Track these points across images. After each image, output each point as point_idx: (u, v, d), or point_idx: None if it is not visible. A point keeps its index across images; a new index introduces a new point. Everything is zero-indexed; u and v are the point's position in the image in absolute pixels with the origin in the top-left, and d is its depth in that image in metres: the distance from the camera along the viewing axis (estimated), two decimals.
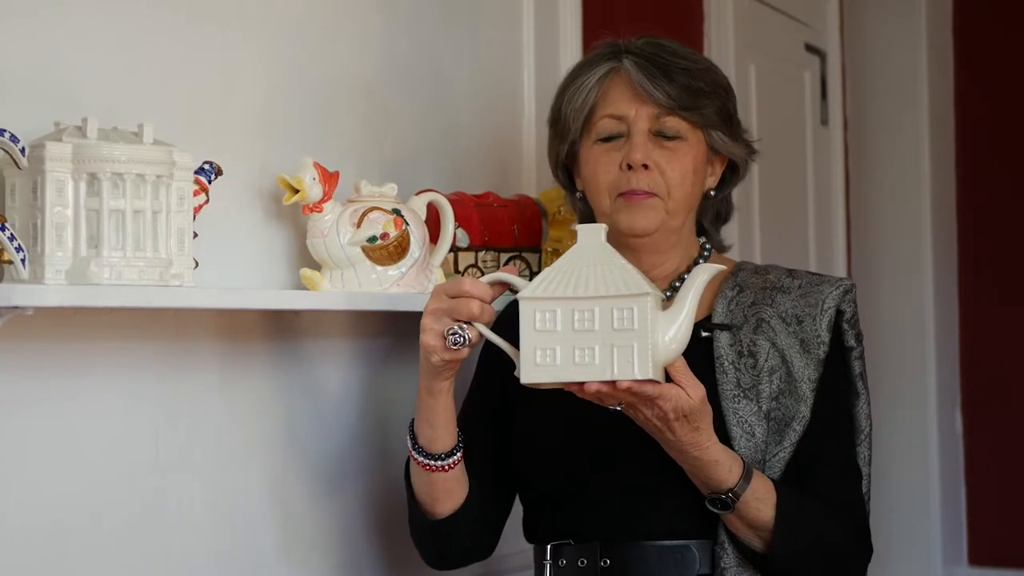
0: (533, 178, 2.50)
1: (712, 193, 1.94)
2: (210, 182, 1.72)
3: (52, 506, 1.62)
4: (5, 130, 1.49)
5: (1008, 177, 4.26)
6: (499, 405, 1.91)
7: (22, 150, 1.50)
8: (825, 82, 3.93)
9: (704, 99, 1.88)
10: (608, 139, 1.88)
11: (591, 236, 1.65)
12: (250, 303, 1.77)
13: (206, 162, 1.73)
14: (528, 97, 2.51)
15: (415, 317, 2.09)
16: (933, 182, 4.18)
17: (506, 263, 2.16)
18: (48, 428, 1.62)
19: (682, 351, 1.63)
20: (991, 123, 4.28)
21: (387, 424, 2.13)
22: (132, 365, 1.73)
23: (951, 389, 4.25)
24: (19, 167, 1.51)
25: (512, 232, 2.17)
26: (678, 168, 1.86)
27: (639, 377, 1.59)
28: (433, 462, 1.79)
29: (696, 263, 1.92)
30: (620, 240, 1.85)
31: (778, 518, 1.73)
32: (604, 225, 1.67)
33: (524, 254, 2.18)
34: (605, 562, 1.79)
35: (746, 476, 1.72)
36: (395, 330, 2.13)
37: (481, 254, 2.13)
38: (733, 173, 1.97)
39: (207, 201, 1.71)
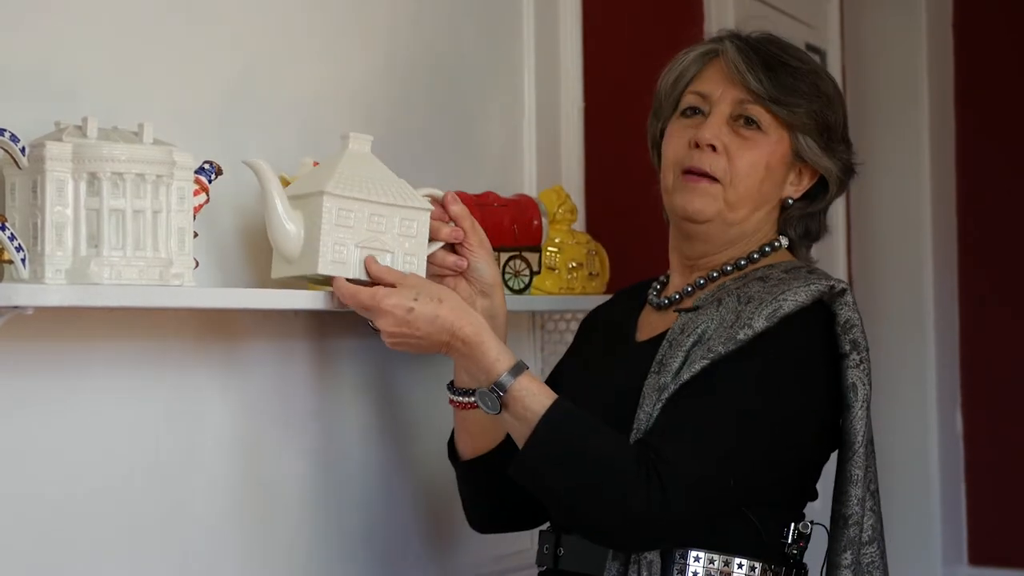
0: (533, 178, 2.50)
1: (790, 202, 1.87)
2: (210, 181, 1.72)
3: (52, 505, 1.62)
4: (5, 130, 1.48)
5: (1009, 176, 4.25)
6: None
7: (22, 150, 1.50)
8: None
9: (798, 98, 1.83)
10: (688, 115, 1.88)
11: (360, 144, 1.79)
12: (250, 303, 1.77)
13: (206, 162, 1.72)
14: (528, 97, 2.51)
15: None
16: (933, 182, 4.17)
17: (506, 263, 2.16)
18: (48, 428, 1.62)
19: (291, 237, 1.72)
20: (991, 122, 4.28)
21: (387, 423, 2.13)
22: (132, 365, 1.73)
23: (951, 389, 4.25)
24: (19, 167, 1.51)
25: (512, 232, 2.17)
26: (747, 158, 1.82)
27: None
28: (453, 396, 1.90)
29: (749, 258, 1.87)
30: (676, 224, 1.90)
31: (543, 417, 1.69)
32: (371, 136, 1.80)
33: (524, 254, 2.18)
34: (560, 551, 1.84)
35: (515, 370, 1.71)
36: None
37: None
38: (825, 190, 1.89)
39: (207, 200, 1.71)
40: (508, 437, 1.89)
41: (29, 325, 1.54)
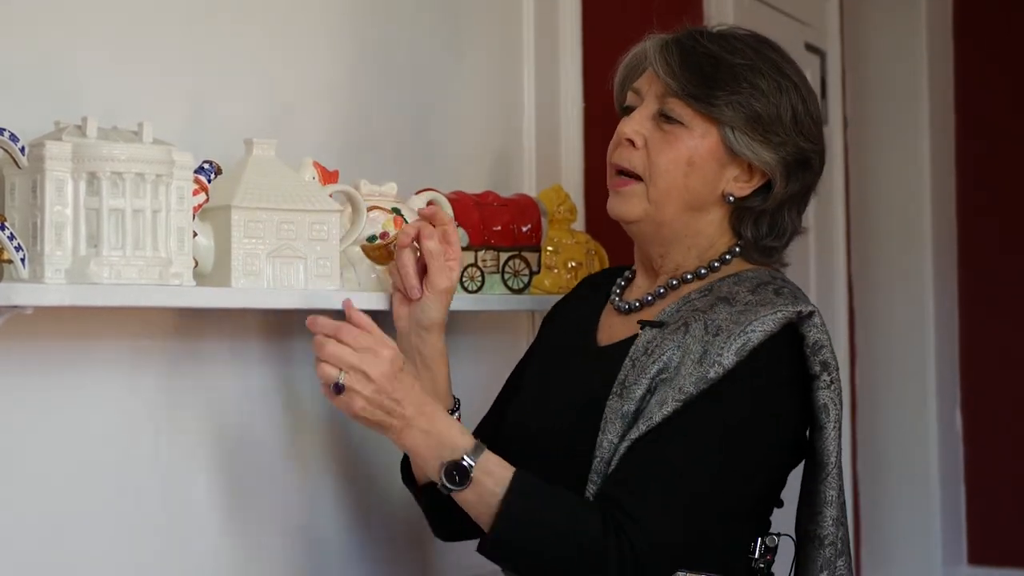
0: (533, 178, 2.50)
1: (731, 199, 1.80)
2: (210, 181, 1.72)
3: (52, 505, 1.62)
4: (5, 129, 1.49)
5: (1008, 177, 4.26)
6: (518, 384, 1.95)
7: (22, 149, 1.50)
8: (825, 82, 3.93)
9: (717, 91, 1.76)
10: (628, 112, 1.84)
11: (264, 149, 1.77)
12: (250, 302, 1.77)
13: (206, 161, 1.73)
14: (528, 97, 2.51)
15: None
16: (933, 182, 4.18)
17: (506, 262, 2.16)
18: (48, 427, 1.62)
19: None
20: (991, 123, 4.28)
21: None
22: (132, 364, 1.73)
23: (951, 389, 4.25)
24: (19, 166, 1.51)
25: (512, 232, 2.17)
26: (667, 153, 1.77)
27: None
28: None
29: (710, 266, 1.82)
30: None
31: (504, 497, 1.63)
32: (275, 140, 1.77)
33: (524, 254, 2.18)
34: None
35: (478, 447, 1.66)
36: (395, 329, 2.12)
37: (481, 254, 2.13)
38: (784, 184, 1.79)
39: (207, 200, 1.71)
40: None
41: (29, 325, 1.54)
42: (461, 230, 2.10)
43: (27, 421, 1.60)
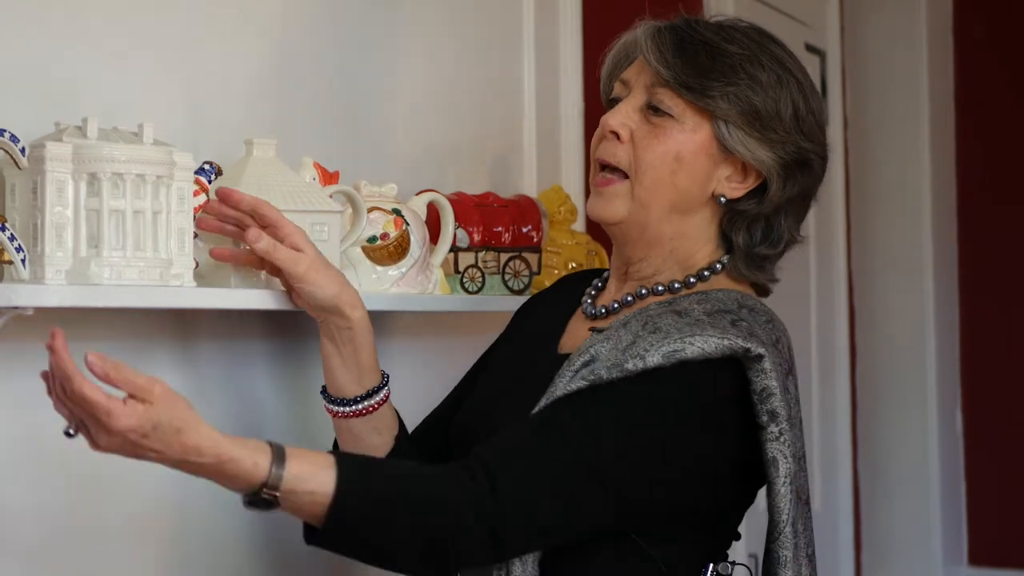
0: (533, 178, 2.50)
1: (722, 200, 1.66)
2: (210, 182, 1.72)
3: (52, 505, 1.62)
4: (5, 130, 1.49)
5: (1008, 177, 4.26)
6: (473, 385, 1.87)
7: (22, 150, 1.50)
8: (825, 82, 3.93)
9: (713, 81, 1.62)
10: (614, 103, 1.72)
11: (264, 150, 1.75)
12: (250, 303, 1.77)
13: (206, 162, 1.73)
14: (528, 97, 2.51)
15: (415, 317, 2.09)
16: (933, 182, 4.18)
17: (506, 263, 2.16)
18: (48, 428, 1.62)
19: None
20: (991, 122, 4.28)
21: None
22: (132, 365, 1.72)
23: (951, 389, 4.25)
24: (19, 167, 1.51)
25: (512, 232, 2.17)
26: (654, 147, 1.64)
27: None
28: (330, 405, 1.76)
29: (686, 282, 1.68)
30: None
31: (338, 487, 1.43)
32: (274, 140, 1.74)
33: (524, 254, 2.18)
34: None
35: (278, 461, 1.42)
36: (395, 330, 2.13)
37: (481, 254, 2.13)
38: (781, 187, 1.66)
39: (207, 201, 1.71)
40: (399, 443, 1.76)
41: (29, 325, 1.54)
42: (461, 230, 2.10)
43: (27, 422, 1.59)
